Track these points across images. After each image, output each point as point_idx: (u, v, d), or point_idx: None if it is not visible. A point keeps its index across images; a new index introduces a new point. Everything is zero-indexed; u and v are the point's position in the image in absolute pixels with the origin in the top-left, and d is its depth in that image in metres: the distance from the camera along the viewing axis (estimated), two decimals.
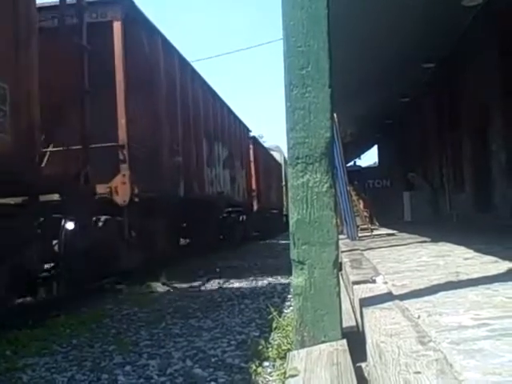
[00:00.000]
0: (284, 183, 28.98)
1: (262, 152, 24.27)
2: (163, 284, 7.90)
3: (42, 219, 6.12)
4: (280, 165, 30.46)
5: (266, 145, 29.32)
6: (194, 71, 12.15)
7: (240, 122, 18.29)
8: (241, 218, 18.29)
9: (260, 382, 3.29)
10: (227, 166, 15.20)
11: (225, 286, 7.90)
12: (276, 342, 3.71)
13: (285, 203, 27.98)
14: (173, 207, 10.13)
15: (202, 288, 7.80)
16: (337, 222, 2.72)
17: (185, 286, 7.93)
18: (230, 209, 16.20)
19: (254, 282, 8.08)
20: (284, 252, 11.15)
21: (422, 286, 3.31)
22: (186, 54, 11.68)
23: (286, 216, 28.12)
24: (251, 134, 21.54)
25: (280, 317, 4.36)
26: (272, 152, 28.74)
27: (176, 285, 7.94)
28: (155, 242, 9.39)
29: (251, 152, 20.85)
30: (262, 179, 22.44)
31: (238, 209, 17.29)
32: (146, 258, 8.65)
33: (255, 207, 20.36)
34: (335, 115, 6.44)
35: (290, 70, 2.69)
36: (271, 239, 22.15)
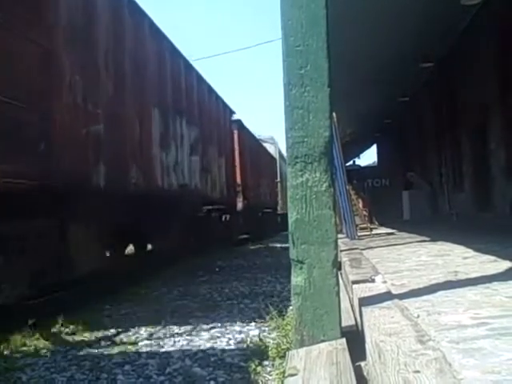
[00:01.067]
0: (279, 179, 27.52)
1: (251, 141, 20.81)
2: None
3: None
4: (274, 159, 28.13)
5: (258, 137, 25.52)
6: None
7: (218, 98, 14.56)
8: (224, 218, 15.80)
9: (259, 381, 3.29)
10: (196, 152, 11.46)
11: None
12: (275, 342, 3.71)
13: (280, 201, 26.69)
14: (93, 204, 6.46)
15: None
16: (336, 221, 2.72)
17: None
18: (209, 207, 13.29)
19: None
20: (283, 255, 10.40)
21: (421, 286, 3.31)
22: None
23: (282, 215, 25.61)
24: (236, 116, 17.74)
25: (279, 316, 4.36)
26: (265, 144, 25.95)
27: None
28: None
29: (235, 139, 17.33)
30: (251, 173, 19.31)
31: (219, 207, 14.37)
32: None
33: (240, 205, 17.18)
34: (334, 114, 6.45)
35: (288, 70, 2.69)
36: (264, 242, 19.37)
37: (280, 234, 22.77)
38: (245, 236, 19.09)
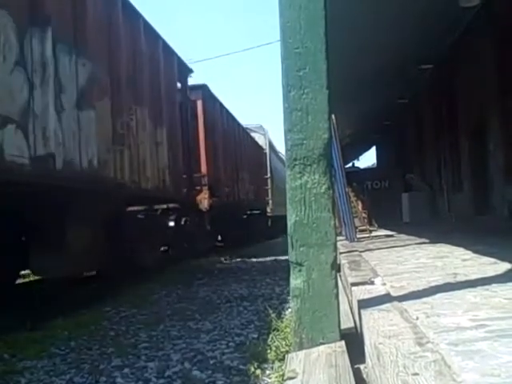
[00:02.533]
0: (269, 175, 23.52)
1: (227, 121, 15.98)
2: None
3: None
4: (263, 151, 23.52)
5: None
6: None
7: (155, 35, 9.46)
8: (173, 222, 11.58)
9: None
10: (89, 104, 6.58)
11: None
12: (274, 344, 3.70)
13: (270, 201, 23.00)
14: None
15: None
16: (335, 223, 2.72)
17: None
18: (135, 208, 9.84)
19: None
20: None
21: (420, 288, 3.31)
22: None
23: (274, 218, 23.23)
24: (192, 76, 12.27)
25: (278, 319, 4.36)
26: (253, 134, 21.71)
27: None
28: None
29: (199, 112, 12.93)
30: (226, 163, 15.27)
31: (161, 207, 10.69)
32: None
33: (205, 204, 12.56)
34: (333, 116, 6.46)
35: (287, 72, 2.69)
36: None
37: (269, 242, 20.50)
38: (219, 244, 16.20)
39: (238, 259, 12.69)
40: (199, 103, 13.06)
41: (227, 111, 16.24)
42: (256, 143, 22.09)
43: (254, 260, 12.35)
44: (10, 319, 5.34)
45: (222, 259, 12.51)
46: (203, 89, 13.45)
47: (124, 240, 8.30)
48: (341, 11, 7.86)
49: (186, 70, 11.77)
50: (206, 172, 12.92)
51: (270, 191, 23.36)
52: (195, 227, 12.49)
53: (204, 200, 12.66)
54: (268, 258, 12.32)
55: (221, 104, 15.35)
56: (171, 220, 11.52)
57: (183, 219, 12.09)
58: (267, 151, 24.00)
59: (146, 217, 10.04)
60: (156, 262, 9.62)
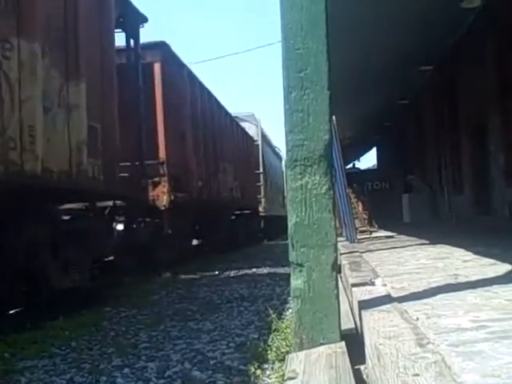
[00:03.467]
0: (262, 170, 21.09)
1: (200, 97, 12.33)
2: None
3: None
4: (254, 142, 20.54)
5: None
6: None
7: None
8: (121, 225, 8.53)
9: None
10: None
11: None
12: (275, 345, 3.70)
13: (263, 200, 20.69)
14: None
15: None
16: (335, 224, 2.72)
17: None
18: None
19: None
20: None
21: (420, 289, 3.31)
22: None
23: (267, 219, 21.52)
24: (143, 26, 8.94)
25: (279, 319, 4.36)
26: (243, 124, 18.93)
27: None
28: None
29: (157, 78, 9.72)
30: (198, 151, 11.82)
31: (105, 204, 7.89)
32: None
33: (163, 201, 9.47)
34: (334, 118, 6.46)
35: (288, 73, 2.69)
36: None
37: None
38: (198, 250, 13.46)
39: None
40: (157, 67, 9.62)
41: (203, 87, 12.70)
42: (246, 133, 18.91)
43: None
44: (11, 319, 5.34)
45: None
46: (162, 48, 9.77)
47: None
48: (342, 12, 7.87)
49: (134, 16, 8.47)
50: (165, 158, 9.59)
51: (262, 188, 20.94)
52: (148, 232, 9.11)
53: (162, 195, 9.37)
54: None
55: (191, 74, 11.68)
56: (119, 222, 8.42)
57: (136, 221, 8.87)
58: (259, 143, 21.18)
59: (76, 218, 7.01)
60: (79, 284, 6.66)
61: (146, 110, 8.79)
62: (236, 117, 17.85)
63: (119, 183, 7.32)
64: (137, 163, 8.61)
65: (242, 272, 9.85)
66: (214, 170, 13.43)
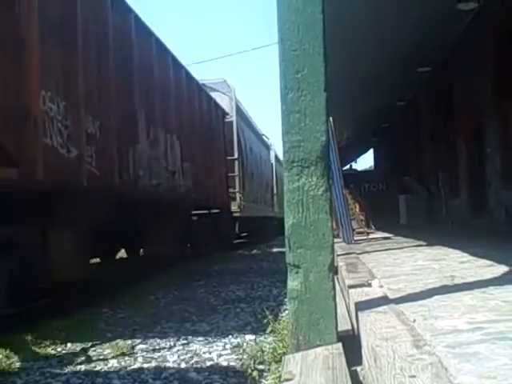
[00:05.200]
0: (237, 156, 16.04)
1: (112, 20, 7.44)
2: None
3: None
4: (227, 117, 15.66)
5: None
6: None
7: None
8: None
9: None
10: None
11: None
12: (271, 346, 3.70)
13: (238, 195, 15.74)
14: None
15: None
16: (332, 225, 2.72)
17: None
18: None
19: None
20: None
21: (417, 290, 3.31)
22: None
23: (243, 220, 16.79)
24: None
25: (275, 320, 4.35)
26: (214, 94, 14.51)
27: None
28: None
29: None
30: (101, 98, 6.94)
31: None
32: None
33: None
34: (331, 119, 6.46)
35: (285, 74, 2.69)
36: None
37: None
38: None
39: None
40: None
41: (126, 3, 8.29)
42: (212, 102, 13.95)
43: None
44: (7, 320, 5.32)
45: None
46: None
47: None
48: (340, 14, 7.88)
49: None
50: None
51: (238, 180, 15.98)
52: None
53: None
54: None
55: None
56: None
57: None
58: (233, 119, 16.01)
59: None
60: None
61: None
62: (204, 85, 13.96)
63: None
64: None
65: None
66: (129, 138, 8.03)
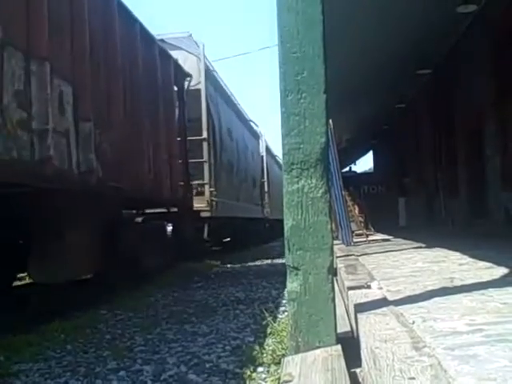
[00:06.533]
0: (205, 136, 12.22)
1: None
2: None
3: None
4: (191, 83, 11.92)
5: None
6: None
7: None
8: None
9: None
10: None
11: None
12: (270, 348, 3.70)
13: (207, 187, 12.01)
14: None
15: None
16: (332, 227, 2.72)
17: None
18: None
19: None
20: None
21: (416, 292, 3.31)
22: None
23: (220, 222, 13.37)
24: None
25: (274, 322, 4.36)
26: (174, 52, 11.34)
27: None
28: None
29: None
30: None
31: None
32: None
33: None
34: (330, 121, 6.47)
35: (285, 76, 2.69)
36: None
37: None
38: None
39: None
40: None
41: None
42: (159, 53, 10.01)
43: None
44: (6, 321, 5.32)
45: None
46: None
47: None
48: (340, 17, 7.88)
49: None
50: None
51: (207, 168, 12.14)
52: None
53: None
54: None
55: None
56: None
57: None
58: (201, 86, 12.08)
59: None
60: None
61: None
62: (161, 40, 10.83)
63: None
64: None
65: None
66: None
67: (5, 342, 4.65)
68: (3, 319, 5.41)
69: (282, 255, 9.26)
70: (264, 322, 4.45)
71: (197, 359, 4.05)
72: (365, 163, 34.65)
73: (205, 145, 12.31)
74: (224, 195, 13.60)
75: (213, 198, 12.37)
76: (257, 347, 3.98)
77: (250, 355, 3.88)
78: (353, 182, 18.80)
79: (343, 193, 9.36)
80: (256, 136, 21.28)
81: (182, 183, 11.01)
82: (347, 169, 28.22)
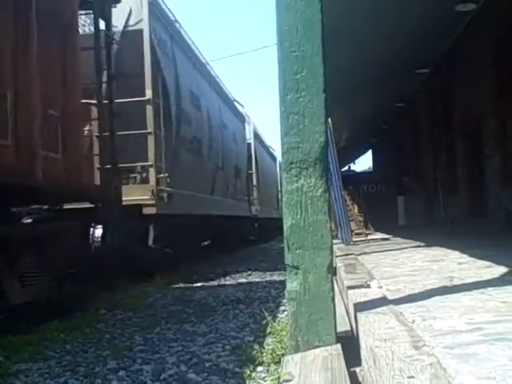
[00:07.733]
0: (149, 98, 8.42)
1: None
2: None
3: None
4: (137, 24, 8.57)
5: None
6: None
7: None
8: None
9: None
10: None
11: None
12: (270, 347, 3.70)
13: (156, 176, 8.21)
14: None
15: None
16: (331, 226, 2.72)
17: None
18: None
19: None
20: None
21: (416, 291, 3.31)
22: None
23: (173, 225, 9.44)
24: None
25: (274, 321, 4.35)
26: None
27: None
28: None
29: None
30: None
31: None
32: None
33: None
34: (329, 120, 6.48)
35: (284, 75, 2.69)
36: None
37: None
38: None
39: None
40: None
41: None
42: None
43: None
44: (5, 321, 5.32)
45: None
46: None
47: None
48: (339, 15, 7.88)
49: None
50: None
51: (152, 143, 8.55)
52: None
53: None
54: None
55: None
56: None
57: None
58: (144, 26, 8.66)
59: None
60: None
61: None
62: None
63: None
64: None
65: None
66: None
67: (4, 341, 4.65)
68: (2, 319, 5.40)
69: (279, 263, 8.72)
70: (264, 322, 4.45)
71: (196, 358, 4.04)
72: (364, 162, 34.67)
73: (148, 110, 8.51)
74: (184, 184, 9.76)
75: (162, 188, 8.59)
76: (256, 346, 3.98)
77: (250, 354, 3.87)
78: (352, 181, 18.77)
79: (342, 192, 9.35)
80: (241, 118, 17.40)
81: (106, 165, 7.53)
82: (346, 168, 28.21)
